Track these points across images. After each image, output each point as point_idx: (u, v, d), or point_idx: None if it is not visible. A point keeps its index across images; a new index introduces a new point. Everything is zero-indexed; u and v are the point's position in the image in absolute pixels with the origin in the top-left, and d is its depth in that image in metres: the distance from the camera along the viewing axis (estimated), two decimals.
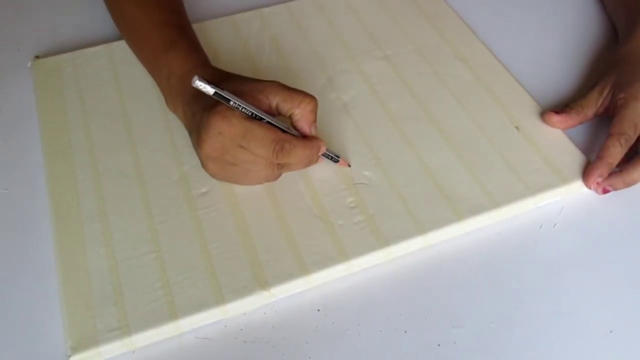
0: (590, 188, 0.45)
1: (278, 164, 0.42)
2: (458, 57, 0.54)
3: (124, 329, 0.38)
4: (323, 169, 0.46)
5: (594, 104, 0.48)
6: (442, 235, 0.42)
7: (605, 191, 0.44)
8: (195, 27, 0.55)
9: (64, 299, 0.40)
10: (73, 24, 0.59)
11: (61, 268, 0.41)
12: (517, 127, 0.48)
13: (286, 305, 0.40)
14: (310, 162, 0.44)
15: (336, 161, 0.45)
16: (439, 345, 0.38)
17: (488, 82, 0.52)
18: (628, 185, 0.44)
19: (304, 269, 0.40)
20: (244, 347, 0.38)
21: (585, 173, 0.44)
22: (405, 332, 0.39)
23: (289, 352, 0.38)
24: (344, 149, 0.47)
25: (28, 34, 0.56)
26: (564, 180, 0.45)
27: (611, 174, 0.44)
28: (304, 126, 0.43)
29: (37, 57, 0.55)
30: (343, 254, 0.41)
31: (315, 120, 0.43)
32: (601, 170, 0.44)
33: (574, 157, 0.46)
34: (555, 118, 0.48)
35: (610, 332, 0.38)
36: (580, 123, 0.48)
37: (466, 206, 0.43)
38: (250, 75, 0.45)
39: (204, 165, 0.43)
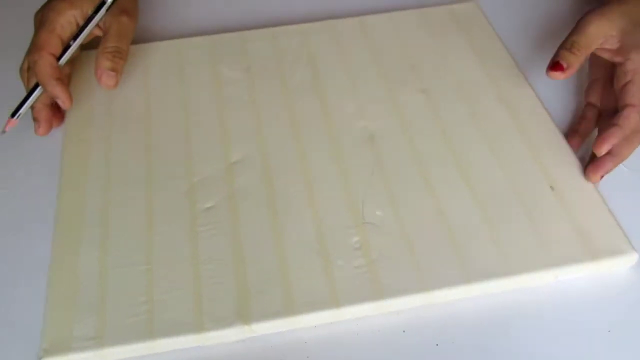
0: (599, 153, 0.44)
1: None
2: (501, 99, 0.50)
3: (99, 340, 0.37)
4: (334, 200, 0.43)
5: (594, 47, 0.45)
6: (446, 295, 0.39)
7: (601, 178, 0.44)
8: (233, 36, 0.54)
9: (49, 300, 0.39)
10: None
11: (53, 267, 0.41)
12: (551, 187, 0.44)
13: None
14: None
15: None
16: (437, 345, 0.37)
17: (529, 130, 0.48)
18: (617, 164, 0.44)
19: (290, 309, 0.38)
20: (243, 346, 0.38)
21: (598, 145, 0.43)
22: (404, 331, 0.38)
23: (289, 352, 0.37)
24: (360, 182, 0.45)
25: (29, 35, 0.56)
26: (593, 255, 0.40)
27: (604, 159, 0.44)
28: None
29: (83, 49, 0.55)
30: (335, 300, 0.38)
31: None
32: (616, 139, 0.43)
33: (611, 232, 0.42)
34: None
35: None
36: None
37: (478, 268, 0.40)
38: (277, 94, 0.47)
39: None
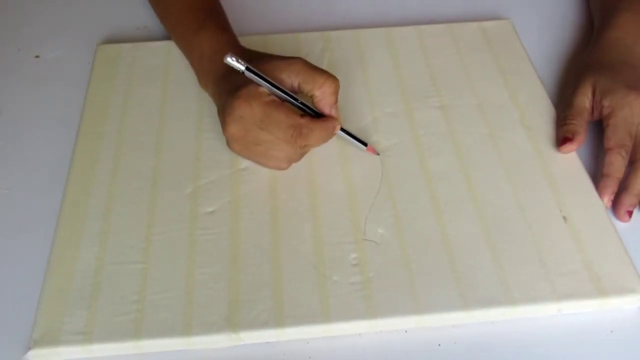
0: (608, 207, 0.44)
1: (300, 147, 0.43)
2: (523, 123, 0.49)
3: (87, 336, 0.37)
4: (337, 214, 0.43)
5: (586, 112, 0.47)
6: (440, 320, 0.38)
7: (630, 214, 0.43)
8: (257, 39, 0.54)
9: (44, 291, 0.39)
10: (74, 24, 0.59)
11: (52, 258, 0.41)
12: (564, 217, 0.42)
13: None
14: (327, 140, 0.44)
15: (364, 145, 0.46)
16: (439, 345, 0.37)
17: (548, 158, 0.46)
18: (639, 196, 0.44)
19: (280, 321, 0.37)
20: (244, 346, 0.37)
21: (600, 195, 0.44)
22: (406, 331, 0.38)
23: (290, 352, 0.37)
24: (366, 197, 0.44)
25: (29, 34, 0.56)
26: (601, 292, 0.38)
27: (620, 195, 0.43)
28: (325, 108, 0.44)
29: (100, 43, 0.56)
30: (326, 315, 0.38)
31: (336, 102, 0.44)
32: (612, 187, 0.44)
33: (622, 268, 0.40)
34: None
35: None
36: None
37: (477, 295, 0.38)
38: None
39: (229, 144, 0.44)
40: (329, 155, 0.47)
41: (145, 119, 0.49)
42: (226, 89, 0.43)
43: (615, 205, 0.44)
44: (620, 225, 0.43)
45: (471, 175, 0.45)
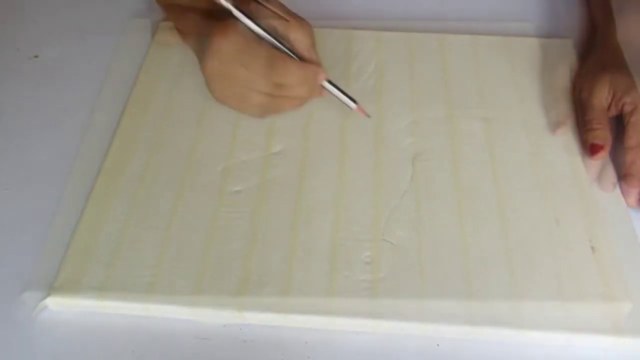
0: (636, 206, 0.43)
1: (276, 87, 0.44)
2: (567, 147, 0.47)
3: (102, 292, 0.39)
4: (359, 211, 0.43)
5: (606, 113, 0.47)
6: (443, 332, 0.37)
7: None
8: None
9: (72, 243, 0.41)
10: (72, 23, 0.59)
11: (84, 216, 0.43)
12: (592, 247, 0.41)
13: None
14: (310, 87, 0.46)
15: (354, 102, 0.47)
16: (437, 345, 0.37)
17: (588, 186, 0.44)
18: None
19: (285, 307, 0.38)
20: (244, 346, 0.38)
21: (625, 196, 0.44)
22: None
23: (288, 352, 0.37)
24: (391, 198, 0.43)
25: (28, 34, 0.56)
26: (616, 330, 0.37)
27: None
28: (303, 52, 0.45)
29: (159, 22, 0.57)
30: (330, 308, 0.38)
31: (312, 46, 0.45)
32: (637, 187, 0.43)
33: None
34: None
35: None
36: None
37: (484, 312, 0.38)
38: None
39: (208, 85, 0.46)
40: (361, 150, 0.47)
41: (191, 97, 0.50)
42: (207, 34, 0.45)
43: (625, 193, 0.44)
44: None
45: (503, 191, 0.44)
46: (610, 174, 0.45)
